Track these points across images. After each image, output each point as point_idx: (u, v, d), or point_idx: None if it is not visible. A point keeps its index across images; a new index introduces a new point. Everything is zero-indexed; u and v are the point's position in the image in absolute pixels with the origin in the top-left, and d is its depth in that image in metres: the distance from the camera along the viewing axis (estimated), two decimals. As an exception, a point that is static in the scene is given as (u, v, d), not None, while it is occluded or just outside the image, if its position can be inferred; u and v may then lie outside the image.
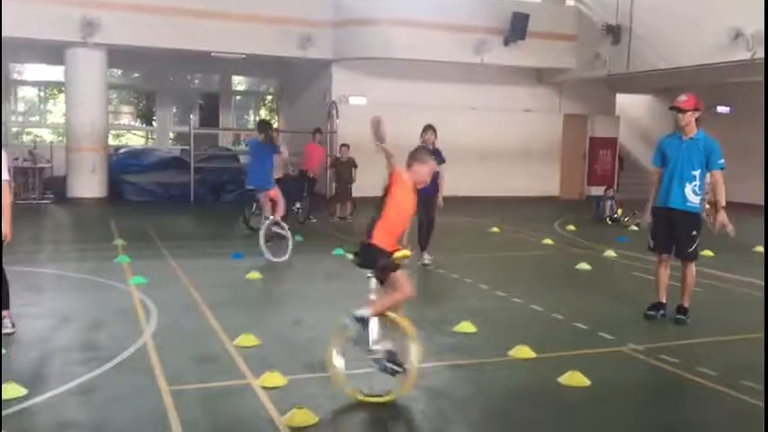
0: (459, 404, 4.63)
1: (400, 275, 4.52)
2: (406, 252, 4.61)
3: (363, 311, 4.43)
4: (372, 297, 4.50)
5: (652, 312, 6.77)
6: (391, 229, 4.54)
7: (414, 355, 4.39)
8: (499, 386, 5.01)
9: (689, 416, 4.57)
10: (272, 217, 9.71)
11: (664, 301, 6.80)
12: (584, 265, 9.61)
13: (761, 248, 11.42)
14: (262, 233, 9.60)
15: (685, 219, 6.54)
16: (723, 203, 6.54)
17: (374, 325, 4.46)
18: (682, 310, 6.71)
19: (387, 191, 4.54)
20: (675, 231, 6.61)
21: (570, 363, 5.23)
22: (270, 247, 9.49)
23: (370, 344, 4.45)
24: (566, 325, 6.61)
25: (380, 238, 4.48)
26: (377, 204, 4.56)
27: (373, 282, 4.52)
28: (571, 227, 13.89)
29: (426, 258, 9.43)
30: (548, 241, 11.94)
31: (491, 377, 5.19)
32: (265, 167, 9.97)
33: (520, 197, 19.07)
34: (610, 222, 14.93)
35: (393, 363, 4.44)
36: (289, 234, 9.64)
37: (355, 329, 4.45)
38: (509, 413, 4.57)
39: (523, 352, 5.56)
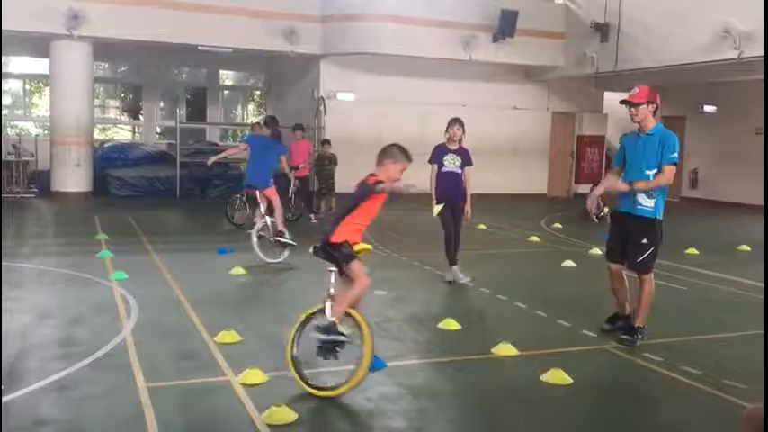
0: (442, 402, 4.60)
1: (358, 266, 4.56)
2: (368, 246, 4.76)
3: (324, 320, 4.50)
4: (332, 291, 4.57)
5: (608, 326, 6.13)
6: (357, 227, 4.64)
7: (364, 359, 4.39)
8: (482, 384, 4.98)
9: (671, 414, 4.55)
10: (268, 218, 9.10)
11: (625, 313, 6.13)
12: (569, 263, 9.61)
13: (746, 247, 11.47)
14: (254, 232, 9.03)
15: (635, 224, 5.81)
16: (641, 186, 5.69)
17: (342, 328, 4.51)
18: (629, 329, 5.91)
19: (363, 198, 4.59)
20: (627, 238, 5.92)
21: (553, 360, 5.21)
22: (261, 247, 8.96)
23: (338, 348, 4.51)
24: (549, 322, 6.59)
25: (343, 235, 4.57)
26: (348, 204, 4.66)
27: (333, 275, 4.60)
28: (557, 224, 13.90)
29: (461, 277, 8.13)
30: (534, 239, 11.95)
31: (474, 375, 5.16)
32: (269, 165, 9.49)
33: (508, 194, 19.06)
34: (596, 220, 14.90)
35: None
36: (289, 240, 8.97)
37: (330, 340, 4.47)
38: (491, 411, 4.54)
39: (506, 349, 5.53)
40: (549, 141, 20.98)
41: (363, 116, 18.05)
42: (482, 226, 13.17)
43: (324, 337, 4.47)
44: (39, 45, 16.89)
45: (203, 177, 17.53)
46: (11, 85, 22.17)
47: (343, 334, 4.46)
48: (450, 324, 6.22)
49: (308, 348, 4.59)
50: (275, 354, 5.39)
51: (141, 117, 23.31)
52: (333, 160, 14.40)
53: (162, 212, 14.63)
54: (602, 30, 17.44)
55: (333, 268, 4.59)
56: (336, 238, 4.55)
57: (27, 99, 22.02)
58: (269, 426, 4.04)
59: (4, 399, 4.30)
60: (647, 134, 5.82)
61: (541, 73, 20.02)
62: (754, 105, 17.92)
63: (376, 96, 18.24)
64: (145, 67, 21.65)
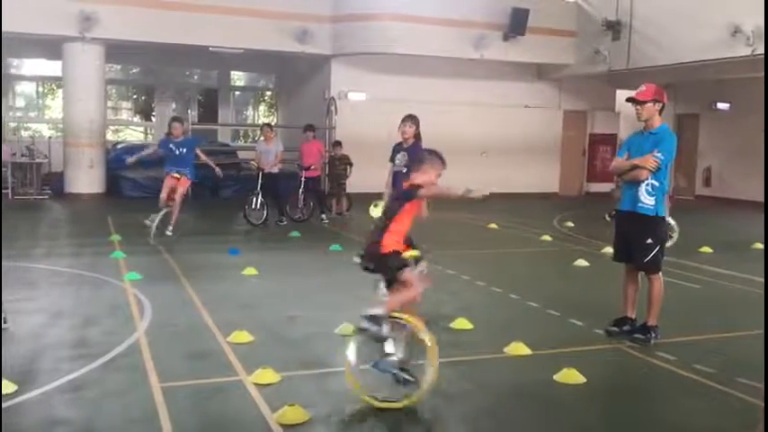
0: (454, 401, 4.59)
1: (410, 274, 4.48)
2: (415, 252, 4.70)
3: (377, 310, 4.36)
4: (384, 299, 4.45)
5: (614, 328, 6.02)
6: (401, 233, 4.55)
7: (430, 364, 4.33)
8: (494, 383, 4.97)
9: (684, 413, 4.52)
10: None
11: (630, 315, 6.04)
12: (581, 262, 9.57)
13: (759, 245, 11.39)
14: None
15: (636, 222, 5.78)
16: (638, 162, 5.71)
17: (387, 328, 4.37)
18: (642, 328, 5.90)
19: (405, 203, 4.54)
20: (631, 238, 5.89)
21: (566, 360, 5.19)
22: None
23: (386, 347, 4.39)
24: (562, 322, 6.56)
25: (390, 245, 4.46)
26: (390, 212, 4.56)
27: (382, 285, 4.49)
28: (570, 223, 13.84)
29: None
30: (546, 238, 11.91)
31: (486, 374, 5.15)
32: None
33: (520, 193, 19.01)
34: (609, 219, 14.84)
35: (405, 373, 4.41)
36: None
37: (372, 331, 4.35)
38: (503, 410, 4.53)
39: (519, 349, 5.52)
40: (562, 140, 20.91)
41: (374, 116, 18.01)
42: (494, 225, 13.16)
43: (366, 324, 4.33)
44: (51, 47, 17.02)
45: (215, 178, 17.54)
46: (24, 88, 22.34)
47: (383, 330, 4.33)
48: (463, 324, 6.22)
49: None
50: (288, 353, 5.42)
51: (153, 118, 23.42)
52: (345, 161, 14.43)
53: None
54: (613, 27, 17.38)
55: (378, 277, 4.48)
56: (386, 249, 4.44)
57: (40, 101, 22.17)
58: (281, 425, 4.05)
59: (19, 399, 4.34)
60: (651, 132, 5.81)
61: (553, 71, 19.95)
62: (767, 102, 17.78)
63: (387, 96, 18.21)
64: (157, 69, 21.75)
